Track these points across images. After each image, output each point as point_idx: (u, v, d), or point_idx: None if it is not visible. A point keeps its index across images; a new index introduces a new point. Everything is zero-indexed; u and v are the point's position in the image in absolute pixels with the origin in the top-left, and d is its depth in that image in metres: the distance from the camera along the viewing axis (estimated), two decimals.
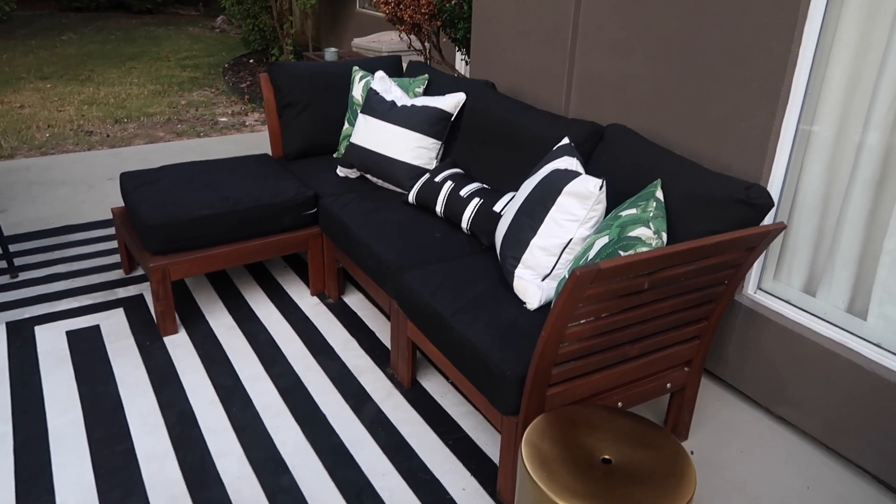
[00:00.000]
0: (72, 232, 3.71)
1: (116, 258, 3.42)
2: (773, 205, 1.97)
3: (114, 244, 3.57)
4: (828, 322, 2.31)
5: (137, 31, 10.93)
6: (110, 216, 3.92)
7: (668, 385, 2.18)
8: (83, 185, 4.37)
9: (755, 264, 2.48)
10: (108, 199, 4.15)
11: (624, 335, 1.91)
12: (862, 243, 2.25)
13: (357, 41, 6.39)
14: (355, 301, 3.14)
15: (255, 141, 5.45)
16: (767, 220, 2.42)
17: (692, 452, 2.30)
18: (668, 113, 2.61)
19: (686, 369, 2.20)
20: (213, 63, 8.62)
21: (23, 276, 3.23)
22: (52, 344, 2.72)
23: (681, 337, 2.08)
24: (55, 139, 5.36)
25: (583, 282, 1.57)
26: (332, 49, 6.30)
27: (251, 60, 8.58)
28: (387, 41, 6.27)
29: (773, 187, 2.35)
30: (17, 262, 3.35)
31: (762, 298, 2.47)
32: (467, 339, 2.01)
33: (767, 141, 2.29)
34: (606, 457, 1.58)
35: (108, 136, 5.49)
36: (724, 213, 1.96)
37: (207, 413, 2.38)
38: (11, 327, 2.82)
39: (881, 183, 2.18)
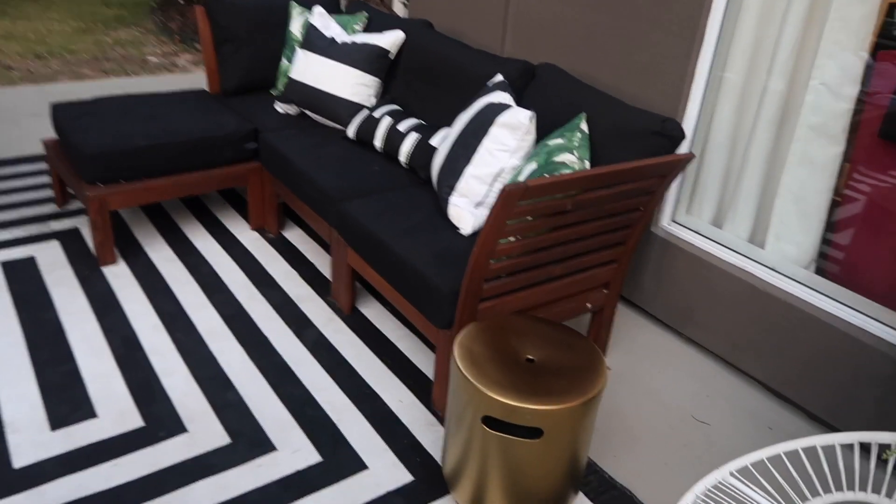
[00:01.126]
0: None
1: (48, 192, 3.37)
2: (684, 137, 2.16)
3: (44, 179, 3.51)
4: (731, 250, 2.55)
5: None
6: (39, 151, 3.83)
7: (589, 305, 2.38)
8: (7, 121, 4.23)
9: (670, 198, 2.69)
10: (34, 134, 4.04)
11: (549, 255, 2.08)
12: (763, 179, 2.49)
13: None
14: (295, 236, 3.22)
15: (188, 81, 5.34)
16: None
17: (609, 368, 2.53)
18: (597, 54, 2.76)
19: (605, 291, 2.41)
20: (140, 1, 8.26)
21: None
22: None
23: (600, 259, 2.27)
24: None
25: (512, 197, 1.72)
26: None
27: (182, 0, 8.26)
28: None
29: (688, 125, 2.55)
30: None
31: (675, 230, 2.70)
32: (406, 260, 2.14)
33: (683, 83, 2.48)
34: (530, 357, 1.76)
35: (30, 71, 5.27)
36: (642, 144, 2.14)
37: (151, 337, 2.45)
38: None
39: (781, 124, 2.41)
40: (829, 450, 2.19)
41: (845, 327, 2.19)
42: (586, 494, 1.97)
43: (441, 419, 2.20)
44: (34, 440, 1.98)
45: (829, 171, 2.31)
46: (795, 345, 2.33)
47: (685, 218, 2.72)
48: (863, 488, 2.05)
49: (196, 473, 1.93)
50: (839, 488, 2.00)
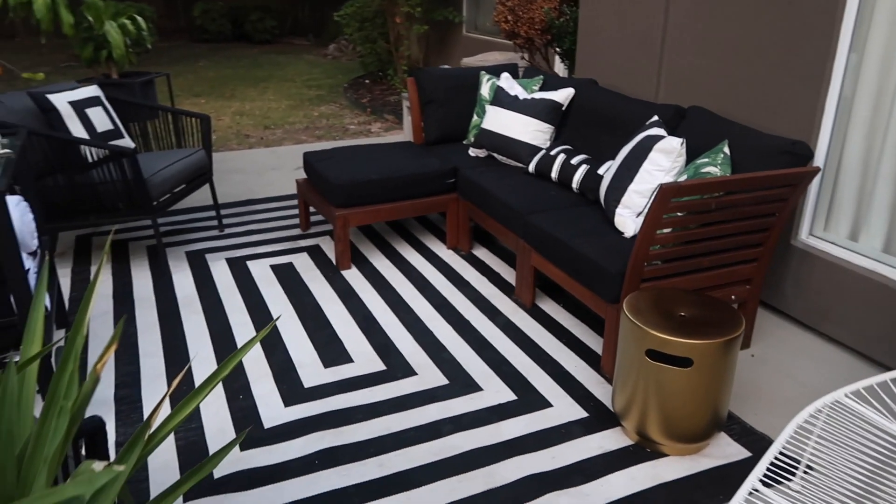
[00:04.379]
0: (253, 204, 4.72)
1: (293, 221, 4.39)
2: (812, 156, 2.67)
3: (288, 212, 4.55)
4: (867, 257, 2.95)
5: (261, 58, 12.34)
6: (281, 193, 4.92)
7: (733, 297, 2.87)
8: (253, 173, 5.43)
9: (807, 215, 3.14)
10: (275, 183, 5.18)
11: (698, 248, 2.64)
12: (893, 197, 2.89)
13: (466, 60, 7.32)
14: (482, 253, 3.97)
15: (383, 142, 6.42)
16: (815, 181, 3.09)
17: (753, 355, 2.98)
18: (735, 97, 3.33)
19: (747, 287, 2.89)
20: (333, 84, 9.79)
21: (228, 231, 4.24)
22: (262, 272, 3.68)
23: (742, 257, 2.78)
24: (221, 141, 6.51)
25: (667, 193, 2.33)
26: (445, 66, 7.25)
27: (367, 81, 9.69)
28: (492, 60, 7.17)
29: (819, 152, 3.02)
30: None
31: (813, 242, 3.13)
32: (582, 254, 2.79)
33: (813, 116, 2.98)
34: (683, 313, 2.32)
35: (262, 138, 6.61)
36: (775, 161, 2.67)
37: (383, 315, 3.25)
38: (230, 262, 3.81)
39: None
40: None
41: None
42: (729, 435, 2.45)
43: (608, 380, 2.77)
44: (314, 372, 2.80)
45: None
46: None
47: (822, 233, 3.15)
48: None
49: (426, 399, 2.64)
50: None
